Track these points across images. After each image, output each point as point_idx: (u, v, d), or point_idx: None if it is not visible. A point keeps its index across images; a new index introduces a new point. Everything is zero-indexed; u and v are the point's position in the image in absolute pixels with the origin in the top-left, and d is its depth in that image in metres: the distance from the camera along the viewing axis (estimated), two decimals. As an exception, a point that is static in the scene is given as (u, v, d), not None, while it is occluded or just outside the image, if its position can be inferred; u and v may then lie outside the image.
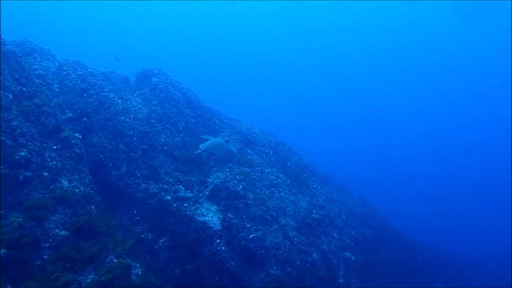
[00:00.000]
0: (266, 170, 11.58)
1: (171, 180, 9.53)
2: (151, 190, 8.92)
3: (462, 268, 18.90)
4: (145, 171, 9.22)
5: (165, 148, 10.16)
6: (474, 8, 39.82)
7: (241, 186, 9.82)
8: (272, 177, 11.39)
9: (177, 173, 10.00)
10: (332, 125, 54.25)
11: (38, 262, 5.79)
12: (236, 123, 14.49)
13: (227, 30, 66.92)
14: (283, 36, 65.78)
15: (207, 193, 9.45)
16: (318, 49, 63.90)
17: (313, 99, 60.99)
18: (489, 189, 35.33)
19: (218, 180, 9.93)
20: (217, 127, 12.96)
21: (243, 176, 10.24)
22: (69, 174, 7.34)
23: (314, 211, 10.78)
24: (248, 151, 12.38)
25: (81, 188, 7.32)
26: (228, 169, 10.66)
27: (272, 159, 13.12)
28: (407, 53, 57.99)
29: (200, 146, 10.38)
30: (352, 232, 13.13)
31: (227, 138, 11.76)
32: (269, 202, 9.85)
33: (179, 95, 12.26)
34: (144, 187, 8.88)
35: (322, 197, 12.89)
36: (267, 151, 13.32)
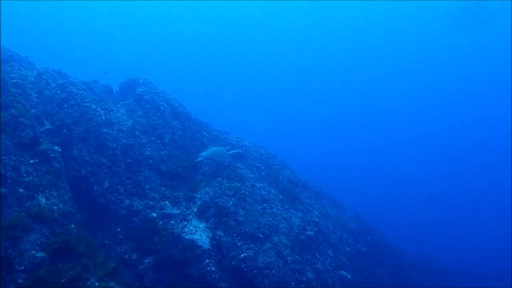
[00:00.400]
0: (258, 185, 11.55)
1: (156, 196, 9.40)
2: (135, 207, 8.76)
3: (460, 283, 19.13)
4: (129, 187, 9.07)
5: (151, 161, 10.04)
6: (471, 12, 43.27)
7: (231, 202, 9.75)
8: (263, 192, 11.36)
9: (163, 189, 9.87)
10: (324, 129, 55.18)
11: (13, 287, 5.56)
12: (226, 135, 14.48)
13: (215, 34, 67.43)
14: (274, 38, 66.69)
15: (195, 209, 9.34)
16: (310, 52, 64.90)
17: (303, 103, 61.66)
18: (488, 195, 36.24)
19: (207, 195, 9.85)
20: (206, 140, 12.91)
21: (233, 192, 10.20)
22: (47, 191, 7.15)
23: (308, 228, 10.75)
24: (238, 165, 12.32)
25: (60, 206, 7.13)
26: (217, 184, 10.59)
27: (263, 173, 13.14)
28: (404, 55, 59.63)
29: (202, 154, 10.45)
30: (347, 249, 13.12)
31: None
32: (261, 219, 9.79)
33: (166, 106, 12.20)
34: (128, 203, 8.72)
35: (316, 212, 12.90)
36: (258, 165, 13.34)
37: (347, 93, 60.64)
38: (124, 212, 8.58)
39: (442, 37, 53.53)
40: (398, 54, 58.77)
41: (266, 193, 11.44)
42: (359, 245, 14.45)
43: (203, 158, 10.55)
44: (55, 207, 7.00)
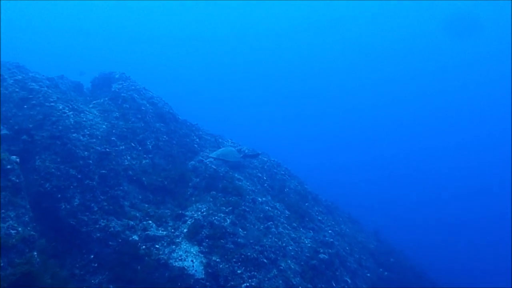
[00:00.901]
0: (259, 199, 11.38)
1: (138, 215, 9.09)
2: (112, 228, 8.42)
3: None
4: (105, 204, 8.74)
5: (130, 173, 9.76)
6: (465, 19, 51.12)
7: (228, 221, 9.50)
8: (267, 207, 11.19)
9: (146, 205, 9.59)
10: (329, 136, 58.43)
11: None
12: (220, 139, 14.30)
13: (207, 32, 72.13)
14: (276, 39, 71.84)
15: (185, 230, 9.06)
16: (309, 53, 70.61)
17: (307, 107, 65.61)
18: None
19: (199, 213, 9.62)
20: (196, 146, 12.78)
21: (230, 208, 10.00)
22: (3, 211, 6.78)
23: (321, 250, 10.47)
24: (236, 175, 12.12)
25: (19, 229, 6.76)
26: (211, 199, 10.40)
27: (265, 184, 12.99)
28: (403, 59, 66.26)
29: (211, 154, 10.68)
30: (368, 274, 12.83)
31: (211, 159, 11.49)
32: (264, 240, 9.53)
33: (148, 105, 12.03)
34: (103, 224, 8.38)
35: (329, 231, 12.69)
36: (259, 174, 13.19)
37: (349, 96, 65.89)
38: (98, 234, 8.24)
39: (438, 44, 60.83)
40: (401, 58, 65.22)
41: (269, 208, 11.25)
42: (381, 270, 14.16)
43: (212, 159, 10.65)
44: (12, 231, 6.62)
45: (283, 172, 14.85)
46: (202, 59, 68.94)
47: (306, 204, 13.61)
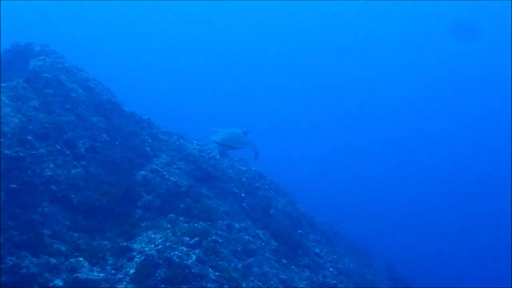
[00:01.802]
0: (236, 225, 11.10)
1: (63, 249, 8.53)
2: (25, 269, 7.79)
3: None
4: (14, 233, 8.13)
5: (54, 188, 9.21)
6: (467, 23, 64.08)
7: (194, 257, 9.09)
8: (246, 237, 10.89)
9: (76, 234, 9.06)
10: (325, 140, 63.21)
11: None
12: (181, 140, 14.13)
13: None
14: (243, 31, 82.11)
15: (131, 271, 8.53)
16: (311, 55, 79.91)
17: (288, 101, 71.72)
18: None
19: (152, 245, 9.12)
20: (148, 148, 12.53)
21: (197, 238, 9.60)
22: None
23: (322, 298, 10.17)
24: (204, 190, 11.88)
25: None
26: (169, 225, 10.00)
27: (244, 204, 12.87)
28: (405, 62, 77.20)
29: (212, 138, 10.99)
30: (382, 328, 12.72)
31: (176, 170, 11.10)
32: (244, 285, 9.16)
33: (80, 91, 11.63)
34: (11, 263, 7.74)
35: (331, 269, 12.72)
36: (236, 190, 13.00)
37: (349, 97, 74.89)
38: (4, 279, 7.55)
39: (441, 47, 72.94)
40: (403, 61, 76.72)
41: (250, 238, 10.95)
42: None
43: (216, 144, 11.00)
44: None
45: (267, 187, 14.83)
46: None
47: (299, 231, 13.57)
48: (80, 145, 10.51)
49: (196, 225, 10.11)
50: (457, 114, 70.46)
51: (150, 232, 9.65)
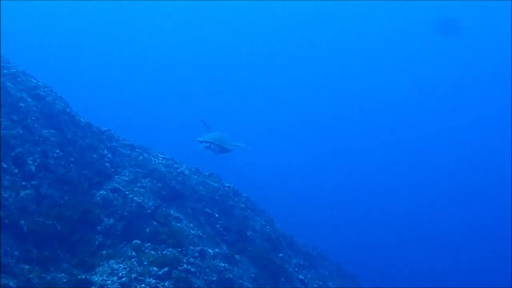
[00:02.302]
0: (210, 251, 11.20)
1: (12, 284, 8.43)
2: None
3: None
4: None
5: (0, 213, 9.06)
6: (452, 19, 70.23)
7: None
8: (222, 264, 10.99)
9: (26, 267, 8.95)
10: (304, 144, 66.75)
11: None
12: (145, 154, 14.15)
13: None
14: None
15: None
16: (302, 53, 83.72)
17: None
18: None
19: (115, 278, 9.14)
20: (108, 164, 12.47)
21: (166, 268, 9.62)
22: None
23: (308, 331, 10.39)
24: (172, 211, 11.95)
25: None
26: (134, 253, 10.03)
27: (218, 225, 12.99)
28: (391, 60, 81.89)
29: (202, 138, 11.74)
30: None
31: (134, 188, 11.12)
32: None
33: (29, 100, 11.50)
34: None
35: None
36: (208, 210, 13.12)
37: (335, 98, 79.13)
38: None
39: (427, 44, 77.74)
40: (390, 59, 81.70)
41: (226, 266, 11.05)
42: None
43: (208, 144, 11.61)
44: None
45: (243, 205, 14.89)
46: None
47: (280, 254, 13.71)
48: (30, 162, 10.37)
49: (164, 252, 10.15)
50: (444, 112, 74.63)
51: (112, 261, 9.62)
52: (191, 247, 10.77)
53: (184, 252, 10.51)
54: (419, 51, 78.38)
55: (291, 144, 64.95)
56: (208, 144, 11.94)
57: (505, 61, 70.30)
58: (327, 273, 17.45)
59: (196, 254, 10.68)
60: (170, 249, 10.36)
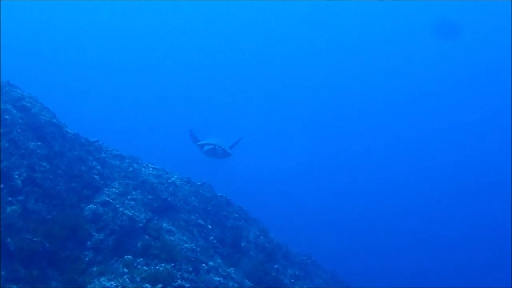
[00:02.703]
0: (204, 266, 10.99)
1: None
2: None
3: None
4: None
5: None
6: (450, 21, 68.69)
7: None
8: (217, 279, 10.80)
9: (14, 287, 8.68)
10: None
11: None
12: (135, 164, 13.95)
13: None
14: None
15: None
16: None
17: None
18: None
19: None
20: (97, 176, 12.21)
21: (160, 285, 9.40)
22: None
23: None
24: (165, 224, 11.71)
25: None
26: (125, 269, 9.73)
27: (211, 237, 12.82)
28: (390, 61, 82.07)
29: (206, 141, 12.46)
30: None
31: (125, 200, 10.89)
32: None
33: (15, 112, 11.23)
34: None
35: None
36: (201, 221, 12.95)
37: (331, 99, 79.18)
38: None
39: (425, 46, 77.64)
40: (388, 60, 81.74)
41: (222, 280, 10.86)
42: None
43: (212, 146, 12.43)
44: None
45: (236, 215, 14.79)
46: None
47: (276, 266, 13.58)
48: (16, 176, 10.11)
49: (157, 267, 9.91)
50: (443, 113, 74.78)
51: (103, 278, 9.35)
52: (185, 261, 10.54)
53: (177, 267, 10.25)
54: (417, 52, 78.65)
55: (284, 147, 64.99)
56: (212, 146, 12.53)
57: (504, 62, 70.76)
58: (322, 282, 17.26)
59: (190, 269, 10.41)
60: (163, 264, 10.10)
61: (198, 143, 13.08)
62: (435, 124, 73.48)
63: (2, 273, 8.78)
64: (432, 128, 72.85)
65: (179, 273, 10.07)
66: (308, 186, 54.24)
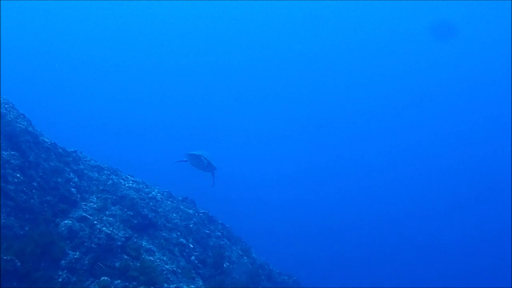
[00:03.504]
0: None
1: None
2: None
3: None
4: None
5: None
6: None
7: None
8: None
9: None
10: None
11: None
12: (114, 176, 13.56)
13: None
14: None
15: None
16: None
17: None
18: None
19: None
20: (74, 190, 11.75)
21: None
22: None
23: None
24: (144, 243, 11.32)
25: None
26: None
27: (193, 257, 12.51)
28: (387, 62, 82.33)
29: (194, 151, 12.85)
30: None
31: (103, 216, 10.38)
32: None
33: None
34: None
35: None
36: (182, 240, 12.57)
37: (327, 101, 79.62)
38: None
39: (423, 47, 78.42)
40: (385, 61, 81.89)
41: None
42: None
43: (199, 154, 12.73)
44: None
45: (219, 233, 14.56)
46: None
47: None
48: None
49: None
50: (442, 115, 75.18)
51: None
52: (165, 285, 10.13)
53: None
54: (414, 53, 78.96)
55: (275, 152, 65.52)
56: (198, 154, 12.69)
57: (503, 62, 71.31)
58: None
59: None
60: (142, 287, 9.65)
61: (186, 152, 13.29)
62: (433, 125, 73.86)
63: (-32, 294, 8.28)
64: (430, 130, 73.20)
65: (160, 298, 9.66)
66: (301, 191, 54.82)
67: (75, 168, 12.23)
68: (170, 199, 14.30)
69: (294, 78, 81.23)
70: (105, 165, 14.14)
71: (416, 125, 74.25)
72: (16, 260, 8.97)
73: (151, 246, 11.31)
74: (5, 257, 8.87)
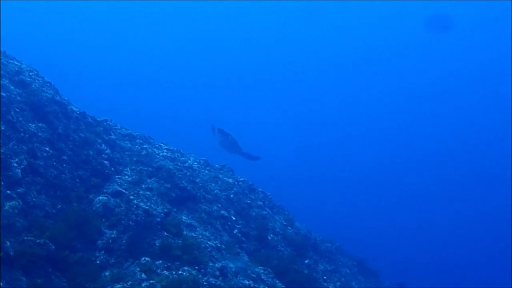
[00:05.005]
0: (232, 266, 10.17)
1: None
2: None
3: None
4: None
5: None
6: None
7: None
8: (246, 282, 10.10)
9: None
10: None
11: None
12: (147, 145, 13.14)
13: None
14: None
15: None
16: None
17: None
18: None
19: None
20: (106, 162, 11.38)
21: None
22: None
23: None
24: (184, 218, 10.92)
25: None
26: (143, 274, 8.92)
27: (236, 230, 12.10)
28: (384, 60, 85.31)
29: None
30: None
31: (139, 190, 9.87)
32: None
33: (12, 88, 10.37)
34: None
35: None
36: (224, 213, 12.22)
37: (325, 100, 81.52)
38: None
39: (419, 42, 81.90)
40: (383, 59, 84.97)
41: (251, 284, 10.19)
42: None
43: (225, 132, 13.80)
44: None
45: (260, 203, 14.11)
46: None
47: (306, 261, 12.95)
48: (15, 165, 9.13)
49: (180, 272, 9.07)
50: (440, 110, 76.53)
51: (118, 286, 8.49)
52: (211, 263, 9.68)
53: (202, 270, 9.40)
54: (412, 48, 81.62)
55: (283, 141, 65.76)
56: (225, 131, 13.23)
57: (500, 56, 73.44)
58: (348, 271, 16.61)
59: (217, 272, 9.59)
60: (186, 268, 9.26)
61: (215, 128, 13.69)
62: (431, 119, 75.32)
63: (1, 283, 7.79)
64: (428, 124, 74.68)
65: (205, 278, 9.29)
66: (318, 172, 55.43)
67: (107, 138, 11.89)
68: (208, 168, 13.93)
69: (293, 77, 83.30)
70: (137, 133, 13.81)
71: (414, 117, 76.02)
72: (50, 243, 8.49)
73: (191, 221, 10.95)
74: (37, 241, 8.39)
